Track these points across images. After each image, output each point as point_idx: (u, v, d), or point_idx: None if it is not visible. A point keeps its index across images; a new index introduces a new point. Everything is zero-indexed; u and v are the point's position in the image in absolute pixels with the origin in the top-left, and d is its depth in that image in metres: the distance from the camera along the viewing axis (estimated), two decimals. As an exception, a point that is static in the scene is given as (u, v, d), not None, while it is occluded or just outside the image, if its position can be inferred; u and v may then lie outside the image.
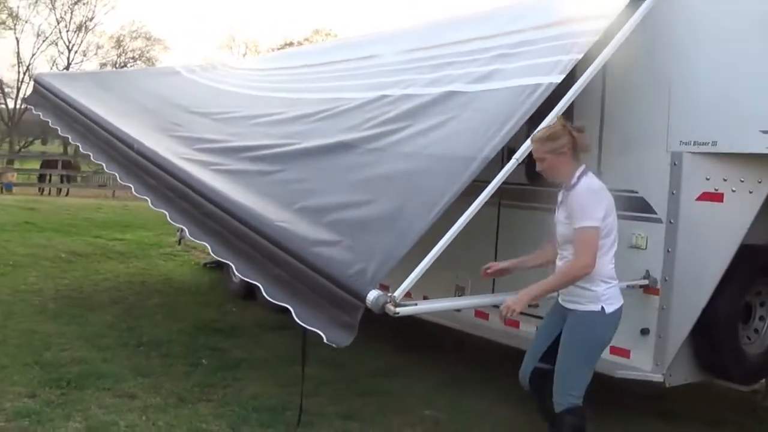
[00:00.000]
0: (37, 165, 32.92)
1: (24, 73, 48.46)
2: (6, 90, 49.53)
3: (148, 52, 56.90)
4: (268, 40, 53.17)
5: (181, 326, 7.82)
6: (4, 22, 50.22)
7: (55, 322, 7.61)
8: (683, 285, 4.91)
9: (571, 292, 4.09)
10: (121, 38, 56.83)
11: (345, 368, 6.44)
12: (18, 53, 51.90)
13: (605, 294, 4.03)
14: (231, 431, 5.01)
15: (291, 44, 50.01)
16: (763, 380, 5.90)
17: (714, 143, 4.79)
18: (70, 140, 8.15)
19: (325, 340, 4.13)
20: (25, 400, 5.30)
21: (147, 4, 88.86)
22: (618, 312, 4.09)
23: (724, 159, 4.83)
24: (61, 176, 29.46)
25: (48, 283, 9.81)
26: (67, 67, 50.91)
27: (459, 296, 6.19)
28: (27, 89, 42.53)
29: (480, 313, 6.24)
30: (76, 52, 54.33)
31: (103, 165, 7.23)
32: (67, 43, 53.97)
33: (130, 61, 55.22)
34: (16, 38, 51.82)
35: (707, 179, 4.88)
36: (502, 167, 4.62)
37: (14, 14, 50.93)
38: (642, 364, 5.07)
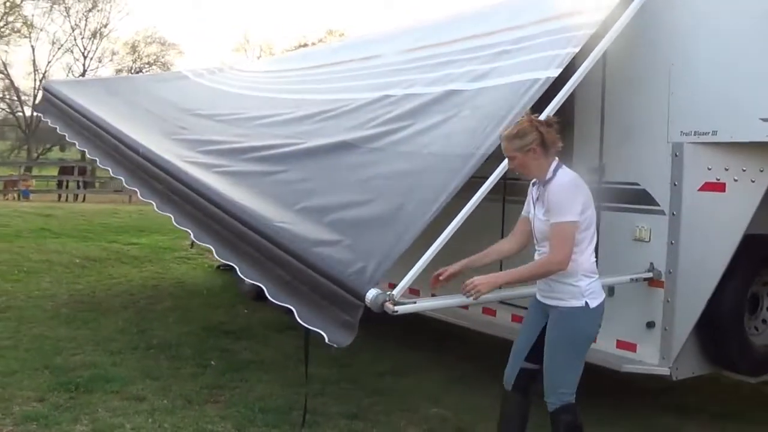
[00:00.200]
0: (55, 172, 33.14)
1: (40, 81, 48.73)
2: (22, 98, 49.91)
3: (162, 57, 56.90)
4: (283, 41, 53.22)
5: (192, 329, 7.86)
6: (19, 31, 50.61)
7: (67, 327, 7.66)
8: (687, 277, 4.89)
9: (553, 288, 4.01)
10: (136, 44, 56.93)
11: (352, 368, 6.45)
12: (34, 61, 52.23)
13: (588, 289, 3.95)
14: (236, 432, 5.03)
15: (305, 45, 50.03)
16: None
17: (714, 132, 4.75)
18: (77, 146, 8.21)
19: (326, 340, 4.14)
20: (33, 404, 5.34)
21: (161, 9, 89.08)
22: (601, 306, 4.02)
23: (725, 148, 4.80)
24: (78, 182, 29.63)
25: (61, 288, 9.89)
26: (83, 74, 51.14)
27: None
28: (43, 97, 42.70)
29: (487, 310, 6.24)
30: (91, 58, 54.53)
31: (110, 170, 7.28)
32: (82, 50, 54.16)
33: (146, 66, 55.27)
34: (32, 46, 52.11)
35: (709, 169, 4.85)
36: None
37: (29, 22, 51.28)
38: (648, 357, 5.04)
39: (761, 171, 4.88)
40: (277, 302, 4.61)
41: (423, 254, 4.14)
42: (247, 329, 7.97)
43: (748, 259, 5.08)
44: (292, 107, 7.44)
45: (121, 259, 12.81)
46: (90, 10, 53.96)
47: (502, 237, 5.98)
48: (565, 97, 4.65)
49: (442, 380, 6.30)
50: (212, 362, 6.58)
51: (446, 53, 6.42)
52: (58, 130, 8.57)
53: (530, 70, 5.06)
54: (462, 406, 5.66)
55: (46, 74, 50.75)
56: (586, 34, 4.95)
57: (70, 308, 8.62)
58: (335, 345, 4.10)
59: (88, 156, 7.86)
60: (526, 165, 4.02)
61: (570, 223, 3.86)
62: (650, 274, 4.98)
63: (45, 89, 9.36)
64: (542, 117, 4.48)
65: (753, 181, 4.88)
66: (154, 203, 6.34)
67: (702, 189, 4.86)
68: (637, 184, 5.14)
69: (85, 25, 54.01)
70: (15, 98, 48.52)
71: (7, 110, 49.48)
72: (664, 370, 4.94)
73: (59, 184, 29.89)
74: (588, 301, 3.95)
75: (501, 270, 4.37)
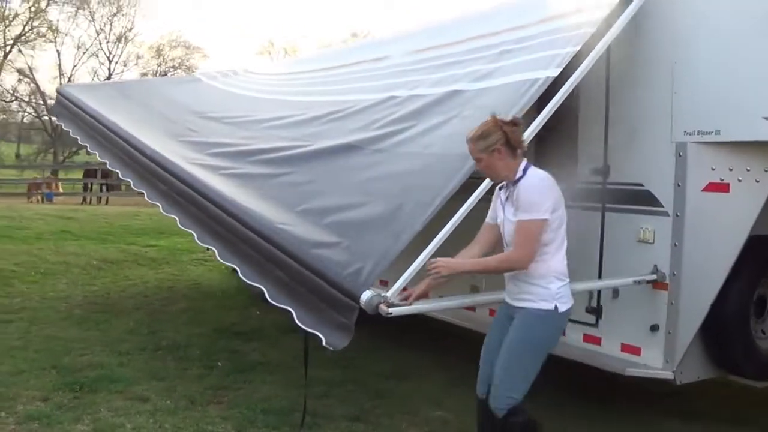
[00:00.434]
0: (81, 175, 33.44)
1: (66, 85, 49.30)
2: (48, 102, 50.44)
3: (187, 61, 57.22)
4: (307, 44, 53.40)
5: (203, 330, 7.89)
6: (44, 35, 51.16)
7: (79, 328, 7.72)
8: (691, 279, 4.81)
9: (522, 289, 3.94)
10: (161, 47, 57.41)
11: (356, 370, 6.43)
12: (59, 65, 52.81)
13: (559, 292, 3.88)
14: (236, 433, 5.03)
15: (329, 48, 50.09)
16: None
17: (717, 132, 4.68)
18: (89, 149, 8.27)
19: (323, 343, 4.12)
20: (38, 403, 5.38)
21: (186, 13, 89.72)
22: (568, 313, 3.95)
23: (728, 148, 4.73)
24: (101, 185, 29.87)
25: (76, 289, 9.98)
26: (108, 78, 51.62)
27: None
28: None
29: (494, 312, 6.18)
30: (116, 62, 55.07)
31: (119, 172, 7.32)
32: (107, 54, 54.70)
33: (171, 69, 55.62)
34: (57, 51, 52.69)
35: (713, 169, 4.77)
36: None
37: (54, 27, 51.86)
38: (653, 361, 4.97)
39: (766, 171, 4.81)
40: (276, 304, 4.60)
41: (420, 254, 4.12)
42: (258, 331, 7.97)
43: (754, 261, 5.00)
44: (302, 109, 7.45)
45: (139, 261, 12.92)
46: (115, 15, 54.47)
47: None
48: (564, 96, 4.61)
49: (444, 382, 6.25)
50: (219, 363, 6.59)
51: (451, 54, 6.40)
52: (71, 134, 8.65)
53: (531, 70, 5.02)
54: (464, 408, 5.55)
55: (72, 78, 51.28)
56: (587, 32, 4.90)
57: (83, 309, 8.69)
58: (331, 347, 4.08)
59: (98, 158, 7.93)
60: (491, 166, 3.96)
61: (538, 221, 3.80)
62: (654, 276, 4.90)
63: (59, 93, 9.46)
64: (540, 117, 4.49)
65: (757, 181, 4.81)
66: (160, 205, 6.38)
67: (706, 189, 4.79)
68: (641, 185, 5.07)
69: (110, 29, 54.52)
70: (41, 102, 49.03)
71: (33, 114, 50.04)
72: (668, 374, 4.86)
73: (84, 187, 30.17)
74: (558, 304, 3.87)
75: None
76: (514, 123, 3.99)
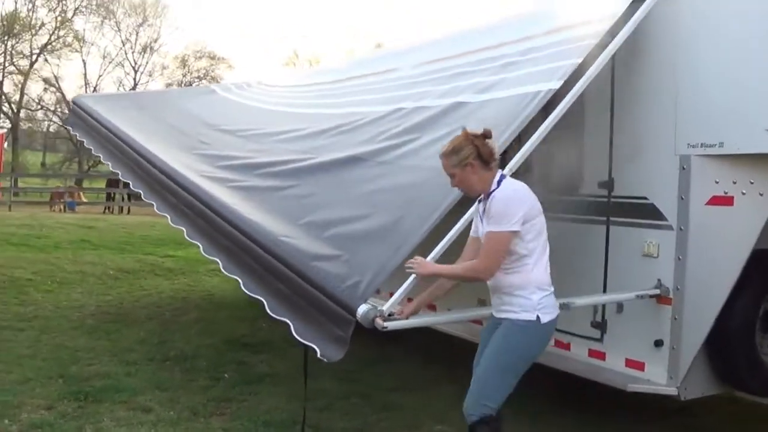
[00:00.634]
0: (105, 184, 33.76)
1: (92, 95, 49.81)
2: (74, 112, 51.01)
3: (212, 71, 57.72)
4: (331, 54, 53.63)
5: (212, 341, 7.91)
6: (70, 45, 51.81)
7: (89, 337, 7.78)
8: (695, 294, 4.75)
9: (504, 300, 3.92)
10: (186, 58, 57.97)
11: (362, 383, 6.42)
12: (85, 75, 53.51)
13: (541, 303, 3.85)
14: (237, 445, 5.04)
15: (351, 59, 50.16)
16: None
17: (721, 144, 4.63)
18: (102, 159, 8.35)
19: (318, 355, 4.13)
20: (42, 412, 5.44)
21: (211, 23, 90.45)
22: (553, 323, 3.91)
23: (732, 161, 4.68)
24: (123, 195, 30.09)
25: (90, 299, 10.06)
26: (133, 88, 52.19)
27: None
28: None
29: None
30: (142, 72, 55.67)
31: (131, 183, 7.38)
32: (133, 64, 55.36)
33: (196, 80, 56.16)
34: (83, 60, 53.62)
35: (716, 182, 4.72)
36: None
37: (80, 37, 52.54)
38: (656, 376, 4.91)
39: (770, 184, 4.75)
40: (275, 316, 4.61)
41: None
42: (267, 342, 7.97)
43: (759, 275, 4.92)
44: (312, 122, 7.47)
45: (155, 271, 13.00)
46: (140, 25, 55.22)
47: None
48: (565, 109, 4.59)
49: (451, 395, 6.13)
50: (226, 375, 6.61)
51: (458, 65, 6.40)
52: (85, 144, 8.74)
53: (534, 82, 5.00)
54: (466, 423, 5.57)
55: (97, 88, 51.98)
56: (590, 44, 4.88)
57: (95, 319, 8.75)
58: (326, 360, 4.08)
59: (111, 169, 8.00)
60: (465, 180, 3.96)
61: (506, 233, 3.78)
62: (657, 291, 4.86)
63: (74, 103, 9.55)
64: (541, 129, 4.48)
65: (761, 195, 4.75)
66: (168, 217, 6.41)
67: (710, 203, 4.74)
68: (646, 199, 5.03)
69: (136, 39, 55.25)
70: (66, 111, 49.64)
71: (59, 123, 50.71)
72: (672, 390, 4.80)
73: (107, 197, 30.44)
74: (540, 315, 3.84)
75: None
76: (485, 136, 3.97)
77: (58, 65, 52.13)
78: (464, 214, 4.29)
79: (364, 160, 5.75)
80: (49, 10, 51.35)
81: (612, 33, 4.91)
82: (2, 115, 50.92)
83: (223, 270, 5.41)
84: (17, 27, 49.56)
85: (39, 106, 51.81)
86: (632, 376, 5.02)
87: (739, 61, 4.59)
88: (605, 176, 5.31)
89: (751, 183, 4.73)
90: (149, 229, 19.16)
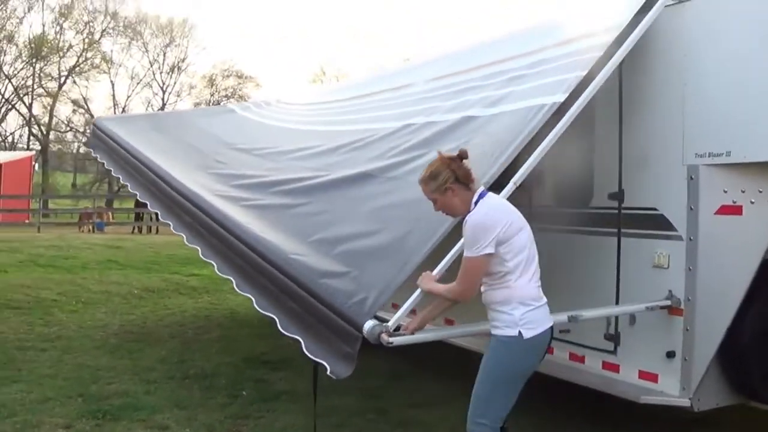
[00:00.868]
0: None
1: (120, 116, 50.46)
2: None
3: (240, 90, 58.26)
4: (358, 71, 53.95)
5: (232, 359, 7.97)
6: (98, 66, 52.58)
7: (111, 356, 7.88)
8: (706, 304, 4.73)
9: (491, 316, 3.94)
10: (214, 77, 58.53)
11: (380, 398, 6.44)
12: (113, 96, 54.25)
13: (524, 318, 3.82)
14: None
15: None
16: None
17: (728, 153, 4.62)
18: (121, 180, 8.46)
19: (328, 372, 4.16)
20: (60, 430, 5.52)
21: (238, 42, 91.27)
22: (540, 337, 3.87)
23: (740, 169, 4.66)
24: (151, 214, 30.32)
25: (114, 318, 10.18)
26: (162, 108, 52.81)
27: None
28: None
29: None
30: (170, 92, 56.33)
31: (148, 204, 7.48)
32: (160, 84, 56.06)
33: (223, 99, 56.69)
34: (111, 81, 54.22)
35: (725, 192, 4.71)
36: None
37: (108, 58, 53.31)
38: (669, 388, 4.88)
39: (779, 192, 4.72)
40: (287, 334, 4.65)
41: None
42: (286, 360, 8.00)
43: (769, 284, 4.89)
44: (326, 139, 7.53)
45: (180, 290, 13.12)
46: (168, 45, 55.92)
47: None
48: (569, 122, 4.59)
49: (467, 411, 6.18)
50: (244, 392, 6.66)
51: (468, 80, 6.42)
52: (105, 165, 8.87)
53: (539, 96, 5.01)
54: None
55: (126, 108, 52.64)
56: (594, 57, 4.89)
57: (118, 338, 8.86)
58: (334, 376, 4.11)
59: (130, 190, 8.11)
60: (448, 204, 4.01)
61: (478, 257, 3.80)
62: (668, 302, 4.84)
63: (94, 125, 9.69)
64: (545, 142, 4.49)
65: (770, 203, 4.72)
66: (184, 236, 6.49)
67: (719, 212, 4.72)
68: (655, 209, 5.02)
69: (164, 59, 55.92)
70: (95, 133, 50.16)
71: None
72: (685, 402, 4.77)
73: (136, 216, 30.75)
74: (522, 330, 3.82)
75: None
76: (460, 157, 4.01)
77: (86, 87, 52.99)
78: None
79: (374, 176, 5.78)
80: (77, 33, 52.30)
81: (618, 44, 4.92)
82: (32, 137, 51.73)
83: (236, 288, 5.47)
84: (45, 49, 50.46)
85: (68, 128, 52.58)
86: (645, 388, 4.99)
87: (745, 70, 4.58)
88: (615, 187, 5.31)
89: (760, 192, 4.71)
90: (176, 248, 19.25)
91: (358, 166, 6.15)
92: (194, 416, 5.92)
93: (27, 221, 28.93)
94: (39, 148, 50.77)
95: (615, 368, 5.25)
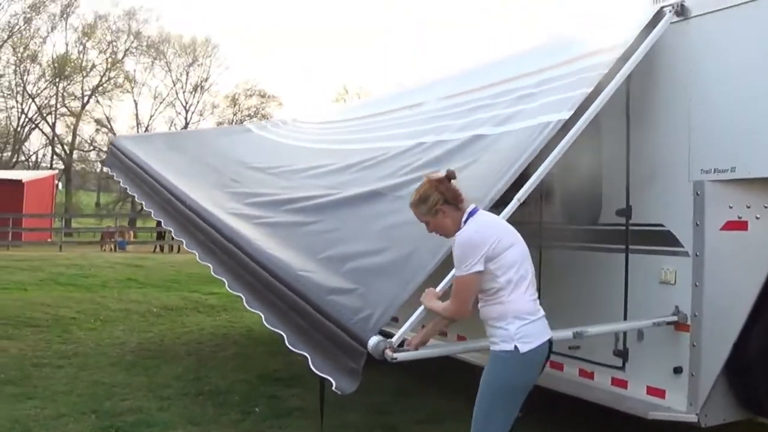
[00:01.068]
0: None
1: (143, 135, 50.91)
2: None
3: (263, 109, 58.61)
4: (380, 89, 54.19)
5: (246, 376, 8.02)
6: (121, 86, 53.17)
7: (126, 373, 7.95)
8: (712, 320, 4.75)
9: (489, 333, 3.96)
10: (236, 97, 58.97)
11: (389, 415, 6.46)
12: (136, 115, 54.79)
13: (519, 332, 3.83)
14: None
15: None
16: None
17: (733, 169, 4.65)
18: (136, 198, 8.58)
19: (333, 387, 4.21)
20: (72, 447, 5.59)
21: (261, 62, 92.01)
22: (536, 350, 3.86)
23: (745, 185, 4.69)
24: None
25: (132, 336, 10.27)
26: (185, 127, 53.26)
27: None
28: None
29: (554, 363, 6.12)
30: (193, 112, 56.81)
31: (162, 222, 7.58)
32: (183, 104, 56.57)
33: (246, 118, 56.99)
34: (134, 101, 54.76)
35: (730, 207, 4.74)
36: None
37: (131, 78, 53.90)
38: (677, 404, 4.89)
39: (784, 208, 4.73)
40: (294, 350, 4.71)
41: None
42: (299, 376, 8.03)
43: (775, 300, 4.88)
44: (339, 158, 7.61)
45: (198, 308, 13.20)
46: (190, 65, 56.42)
47: (540, 282, 6.05)
48: (572, 140, 4.64)
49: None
50: (256, 409, 6.70)
51: (478, 98, 6.48)
52: (121, 184, 9.00)
53: (546, 114, 5.06)
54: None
55: (149, 128, 53.10)
56: (600, 74, 4.93)
57: (134, 355, 8.94)
58: (340, 392, 4.16)
59: (145, 208, 8.22)
60: (440, 226, 4.06)
61: (466, 276, 3.84)
62: (675, 318, 4.85)
63: (112, 144, 9.84)
64: (549, 159, 4.54)
65: (776, 219, 4.73)
66: (196, 253, 6.57)
67: (724, 228, 4.74)
68: (662, 225, 5.04)
69: (186, 79, 56.38)
70: (118, 153, 50.58)
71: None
72: (692, 417, 4.77)
73: (158, 235, 31.04)
74: (518, 345, 3.83)
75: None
76: (448, 178, 4.07)
77: (109, 106, 53.64)
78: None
79: (383, 194, 5.84)
80: (100, 52, 53.03)
81: (623, 61, 4.96)
82: (55, 157, 52.28)
83: (246, 305, 5.55)
84: (68, 69, 51.09)
85: (91, 147, 53.12)
86: (653, 404, 5.00)
87: (750, 86, 4.61)
88: (623, 204, 5.34)
89: (765, 207, 4.73)
90: (197, 266, 19.02)
91: (369, 184, 6.21)
92: (206, 432, 5.98)
93: (49, 240, 29.27)
94: (62, 167, 51.30)
95: (623, 384, 5.26)
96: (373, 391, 6.95)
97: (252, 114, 58.01)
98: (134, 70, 55.03)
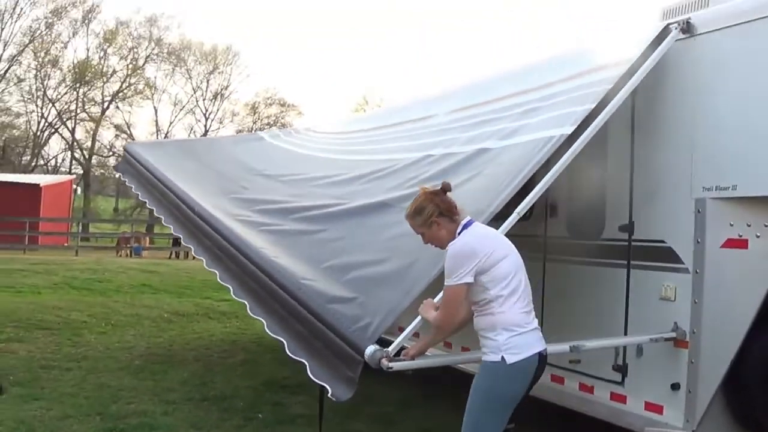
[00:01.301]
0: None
1: (163, 142, 51.21)
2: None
3: (282, 118, 58.65)
4: (400, 98, 54.23)
5: (252, 382, 8.08)
6: (141, 92, 53.49)
7: (134, 378, 8.03)
8: (711, 337, 4.74)
9: (480, 342, 3.99)
10: (256, 105, 59.12)
11: (397, 424, 6.50)
12: (156, 122, 55.06)
13: (507, 343, 3.84)
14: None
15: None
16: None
17: (734, 187, 4.65)
18: (147, 204, 8.67)
19: (329, 395, 4.26)
20: (75, 448, 5.65)
21: (281, 71, 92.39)
22: (525, 362, 3.87)
23: (746, 203, 4.69)
24: (189, 240, 30.62)
25: (142, 341, 10.36)
26: (204, 134, 53.47)
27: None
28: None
29: (555, 377, 6.14)
30: (212, 119, 57.03)
31: (172, 228, 7.66)
32: (203, 111, 56.78)
33: (266, 126, 56.91)
34: (154, 107, 55.08)
35: (731, 225, 4.74)
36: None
37: (151, 84, 54.23)
38: (674, 420, 4.88)
39: (784, 226, 4.73)
40: (294, 357, 4.77)
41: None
42: (306, 384, 7.94)
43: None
44: (349, 168, 7.67)
45: (209, 315, 13.29)
46: (211, 73, 56.60)
47: (543, 295, 6.08)
48: (575, 154, 4.67)
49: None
50: (260, 415, 6.75)
51: (486, 112, 6.52)
52: (132, 189, 9.09)
53: (549, 128, 5.09)
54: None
55: (169, 134, 53.35)
56: (604, 89, 4.96)
57: (143, 360, 9.02)
58: (334, 399, 4.20)
59: (156, 214, 8.32)
60: (435, 237, 4.10)
61: (454, 286, 3.88)
62: (673, 334, 4.85)
63: (125, 150, 9.95)
64: (550, 174, 4.57)
65: (776, 237, 4.73)
66: (204, 260, 6.64)
67: (724, 246, 4.74)
68: (663, 242, 5.06)
69: (207, 86, 56.56)
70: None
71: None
72: (688, 434, 4.78)
73: (174, 242, 31.18)
74: (505, 356, 3.84)
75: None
76: (444, 190, 4.13)
77: (129, 112, 53.94)
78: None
79: (390, 205, 5.89)
80: (121, 58, 53.35)
81: (628, 76, 4.99)
82: (74, 161, 52.62)
83: (249, 312, 5.60)
84: (89, 74, 51.45)
85: (110, 153, 53.42)
86: (651, 420, 5.00)
87: (753, 104, 4.63)
88: (626, 219, 5.35)
89: (766, 226, 4.72)
90: (210, 273, 19.38)
91: (377, 195, 6.26)
92: (208, 437, 6.04)
93: (66, 244, 29.50)
94: (81, 172, 51.66)
95: (622, 399, 5.27)
96: (379, 401, 7.00)
97: (272, 122, 57.97)
98: (155, 77, 55.41)
